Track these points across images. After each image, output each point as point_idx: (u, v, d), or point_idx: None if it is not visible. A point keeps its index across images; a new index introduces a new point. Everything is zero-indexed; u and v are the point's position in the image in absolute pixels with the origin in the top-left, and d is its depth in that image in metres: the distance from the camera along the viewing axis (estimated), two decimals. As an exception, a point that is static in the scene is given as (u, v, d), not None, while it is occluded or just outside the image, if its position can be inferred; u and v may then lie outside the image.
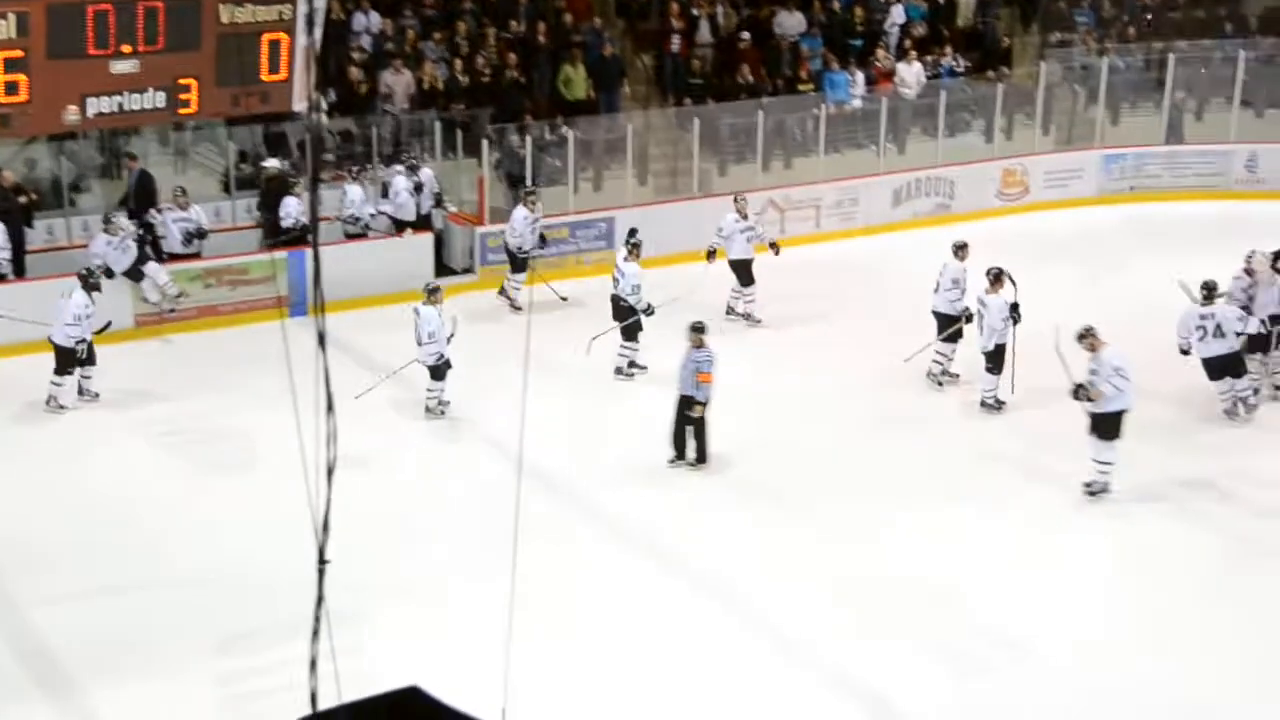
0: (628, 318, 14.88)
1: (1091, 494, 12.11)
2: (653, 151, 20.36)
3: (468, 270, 17.93)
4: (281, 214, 16.83)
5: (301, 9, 9.04)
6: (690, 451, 12.83)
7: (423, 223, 17.80)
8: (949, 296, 14.59)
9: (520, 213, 16.88)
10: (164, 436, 13.61)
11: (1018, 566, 11.23)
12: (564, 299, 16.96)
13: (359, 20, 19.68)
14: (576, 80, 20.02)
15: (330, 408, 3.44)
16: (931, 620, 10.42)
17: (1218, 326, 13.50)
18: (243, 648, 9.94)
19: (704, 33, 21.33)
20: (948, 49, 22.28)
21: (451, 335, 13.70)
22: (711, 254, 16.40)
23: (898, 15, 22.47)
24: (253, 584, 10.66)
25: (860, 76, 21.29)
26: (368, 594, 9.86)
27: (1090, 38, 23.30)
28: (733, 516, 12.08)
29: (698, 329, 12.70)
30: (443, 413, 13.99)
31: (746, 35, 21.21)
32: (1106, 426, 11.90)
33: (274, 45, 9.30)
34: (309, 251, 16.86)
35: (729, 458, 13.00)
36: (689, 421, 12.73)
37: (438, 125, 18.88)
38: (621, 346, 15.00)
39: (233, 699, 9.41)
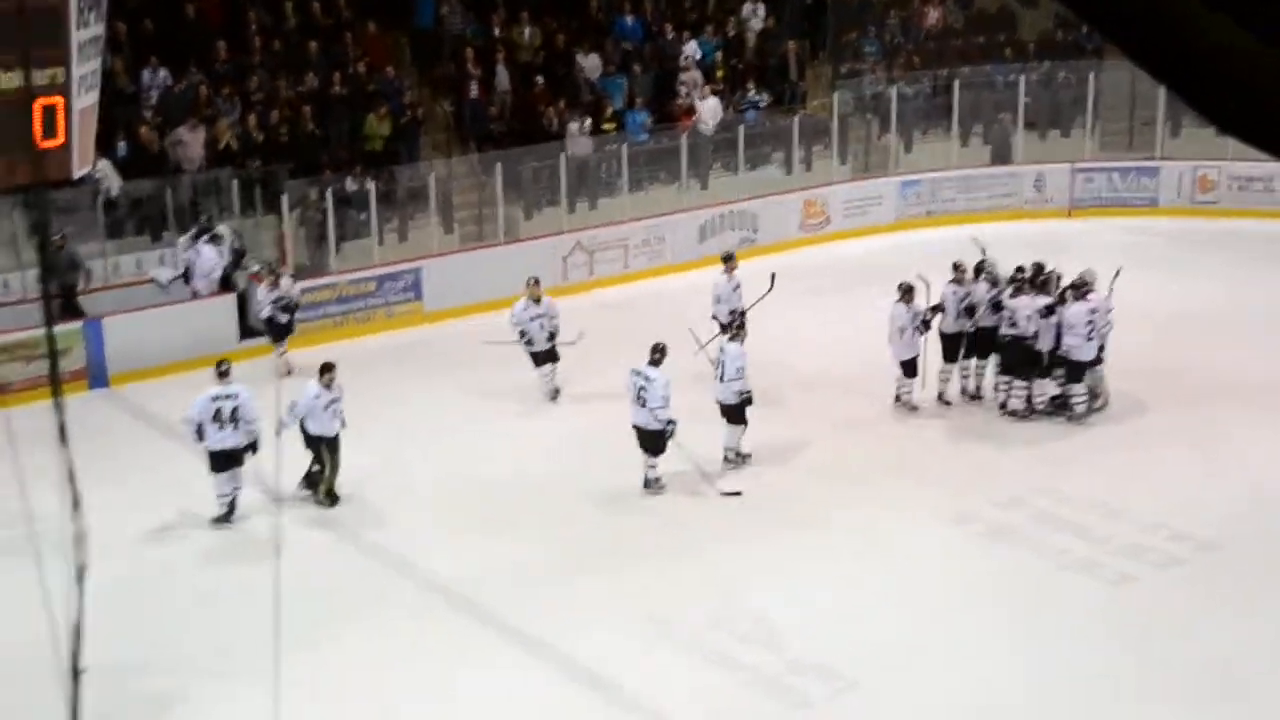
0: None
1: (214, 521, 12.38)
2: (456, 199, 20.18)
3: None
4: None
5: (76, 71, 8.65)
6: None
7: (224, 283, 17.33)
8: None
9: (263, 289, 16.43)
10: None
11: (831, 598, 11.32)
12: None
13: (146, 77, 19.06)
14: (378, 131, 19.74)
15: (76, 505, 3.08)
16: (750, 657, 10.43)
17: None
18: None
19: (501, 78, 21.21)
20: (749, 84, 22.59)
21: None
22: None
23: (692, 51, 22.68)
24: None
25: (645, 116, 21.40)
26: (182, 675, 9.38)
27: (878, 67, 23.91)
28: (530, 554, 11.98)
29: None
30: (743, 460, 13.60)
31: (540, 79, 21.17)
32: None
33: (49, 110, 8.87)
34: (105, 321, 16.25)
35: (548, 499, 12.89)
36: None
37: (234, 183, 18.37)
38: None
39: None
